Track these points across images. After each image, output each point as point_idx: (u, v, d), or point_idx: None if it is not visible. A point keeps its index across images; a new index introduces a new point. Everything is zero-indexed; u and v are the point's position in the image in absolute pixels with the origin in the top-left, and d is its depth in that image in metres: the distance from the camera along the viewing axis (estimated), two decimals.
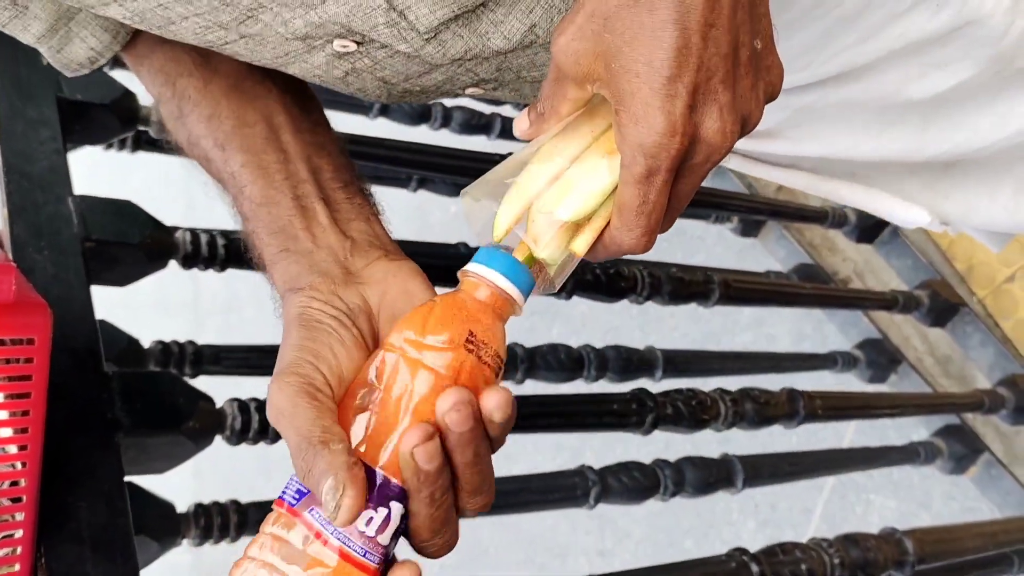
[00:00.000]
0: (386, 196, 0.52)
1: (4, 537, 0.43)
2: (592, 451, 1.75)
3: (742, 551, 0.67)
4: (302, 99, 0.50)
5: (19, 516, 0.43)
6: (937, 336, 1.18)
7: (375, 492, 0.36)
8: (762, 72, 0.39)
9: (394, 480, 0.36)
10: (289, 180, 0.46)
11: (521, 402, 0.75)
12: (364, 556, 0.35)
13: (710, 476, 0.85)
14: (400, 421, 0.36)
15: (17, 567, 0.43)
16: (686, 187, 0.38)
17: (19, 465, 0.43)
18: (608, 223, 0.39)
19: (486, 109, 1.20)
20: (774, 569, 0.67)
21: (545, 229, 0.39)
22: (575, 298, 0.91)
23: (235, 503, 0.63)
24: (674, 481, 0.82)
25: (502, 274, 0.38)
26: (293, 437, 0.37)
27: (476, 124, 1.12)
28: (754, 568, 0.66)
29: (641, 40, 0.35)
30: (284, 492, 0.37)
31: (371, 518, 0.35)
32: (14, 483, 0.43)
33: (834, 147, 0.67)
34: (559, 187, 0.38)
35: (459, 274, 0.40)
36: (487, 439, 0.38)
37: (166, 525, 0.59)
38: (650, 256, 1.01)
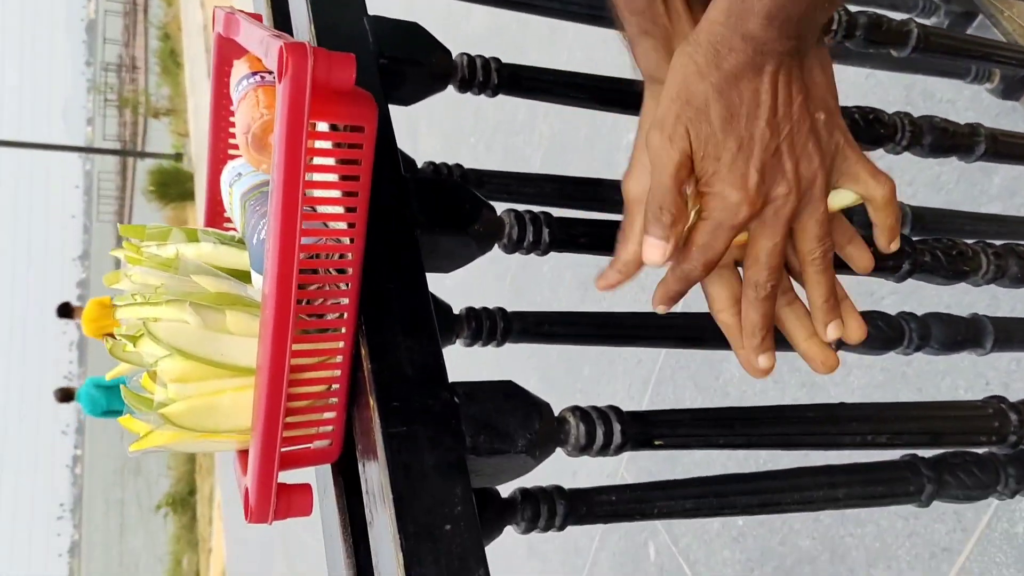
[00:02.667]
0: None
1: (333, 303, 0.49)
2: None
3: (1000, 398, 0.66)
4: None
5: (345, 286, 0.49)
6: None
7: None
8: (823, 136, 0.50)
9: None
10: None
11: None
12: None
13: (958, 334, 0.82)
14: None
15: (343, 330, 0.49)
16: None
17: (347, 241, 0.49)
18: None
19: None
20: None
21: None
22: None
23: (501, 310, 0.68)
24: (919, 335, 0.81)
25: None
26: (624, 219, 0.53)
27: None
28: (1012, 417, 0.65)
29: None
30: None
31: None
32: (342, 256, 0.49)
33: None
34: None
35: None
36: None
37: (444, 323, 0.65)
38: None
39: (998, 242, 0.80)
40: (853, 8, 0.95)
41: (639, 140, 0.54)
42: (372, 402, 0.47)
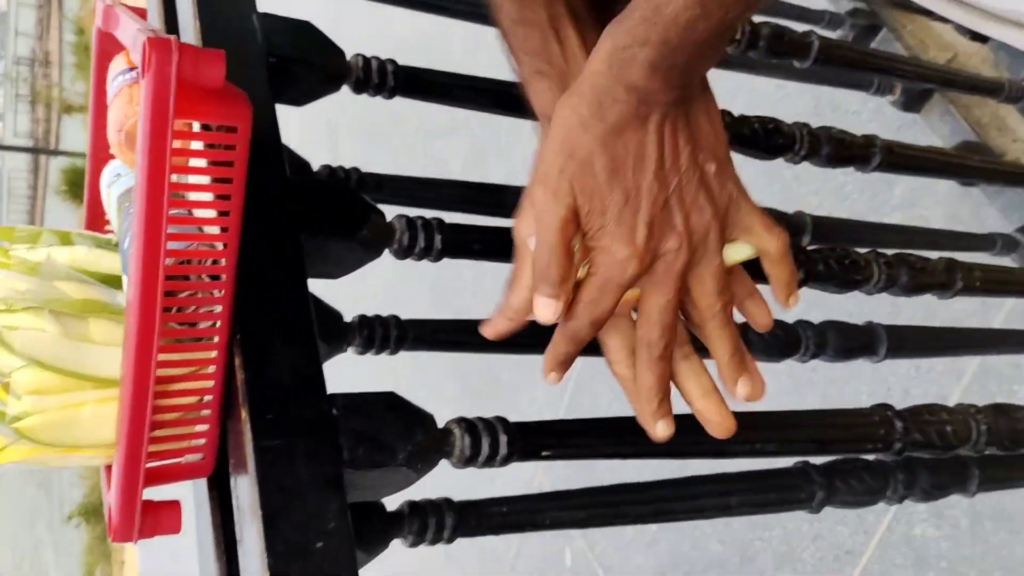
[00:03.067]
0: None
1: (206, 311, 0.47)
2: None
3: (886, 406, 0.67)
4: None
5: (218, 293, 0.47)
6: None
7: None
8: (714, 187, 0.49)
9: None
10: (545, 3, 0.50)
11: None
12: None
13: (852, 341, 0.84)
14: None
15: (216, 339, 0.47)
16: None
17: (220, 246, 0.46)
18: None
19: None
20: (919, 427, 0.67)
21: None
22: None
23: (395, 318, 0.66)
24: (816, 343, 0.82)
25: None
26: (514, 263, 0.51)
27: None
28: (898, 424, 0.66)
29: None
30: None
31: None
32: (215, 262, 0.47)
33: None
34: None
35: None
36: None
37: (334, 330, 0.63)
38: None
39: (890, 251, 0.82)
40: (757, 19, 0.97)
41: (531, 181, 0.53)
42: (244, 414, 0.45)
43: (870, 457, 0.69)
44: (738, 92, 1.40)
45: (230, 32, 0.61)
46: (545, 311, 0.47)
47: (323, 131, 3.54)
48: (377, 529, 0.53)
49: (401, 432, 0.49)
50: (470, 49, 2.73)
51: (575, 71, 0.50)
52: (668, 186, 0.46)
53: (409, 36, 3.07)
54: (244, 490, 0.45)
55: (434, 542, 0.55)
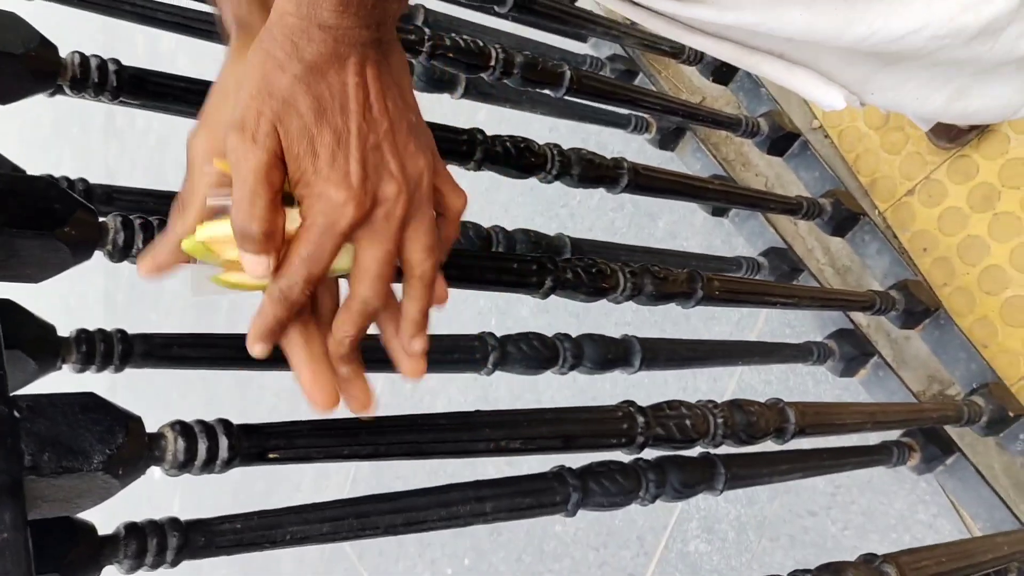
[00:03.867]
0: None
1: None
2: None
3: (630, 403, 0.69)
4: None
5: None
6: (838, 247, 1.22)
7: None
8: (421, 138, 0.47)
9: None
10: None
11: None
12: None
13: (609, 353, 0.86)
14: None
15: None
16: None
17: None
18: None
19: None
20: (659, 422, 0.69)
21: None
22: (486, 176, 0.91)
23: (121, 331, 0.61)
24: (573, 355, 0.83)
25: None
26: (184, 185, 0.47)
27: None
28: (640, 419, 0.68)
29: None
30: None
31: None
32: None
33: (761, 17, 0.67)
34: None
35: None
36: None
37: (44, 345, 0.57)
38: None
39: (636, 264, 0.85)
40: (512, 49, 1.00)
41: (213, 90, 0.49)
42: None
43: (626, 460, 0.71)
44: (514, 133, 1.44)
45: None
46: (256, 267, 0.43)
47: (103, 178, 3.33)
48: (86, 552, 0.48)
49: (99, 436, 0.44)
50: None
51: None
52: (378, 130, 0.44)
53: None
54: None
55: (155, 566, 0.51)
